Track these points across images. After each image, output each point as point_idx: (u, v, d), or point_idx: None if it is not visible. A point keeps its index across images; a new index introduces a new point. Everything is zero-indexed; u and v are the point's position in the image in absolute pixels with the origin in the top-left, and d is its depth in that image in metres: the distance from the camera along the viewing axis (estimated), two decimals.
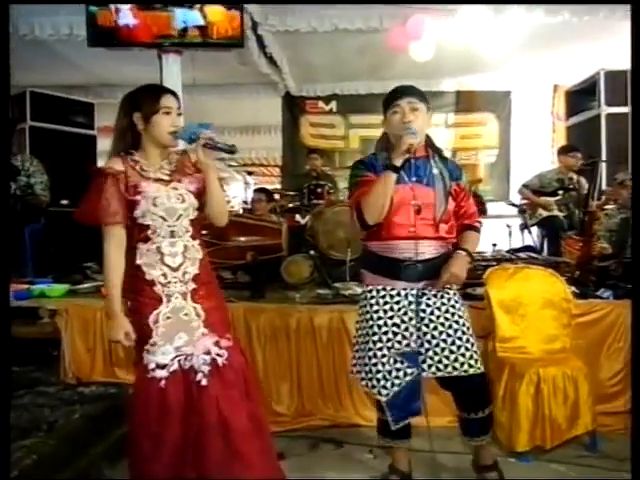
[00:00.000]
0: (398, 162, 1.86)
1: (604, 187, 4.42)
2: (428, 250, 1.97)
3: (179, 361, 1.81)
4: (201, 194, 1.90)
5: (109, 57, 4.57)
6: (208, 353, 1.83)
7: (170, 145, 1.88)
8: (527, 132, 6.70)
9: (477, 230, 2.11)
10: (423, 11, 4.30)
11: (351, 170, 2.12)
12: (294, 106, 7.00)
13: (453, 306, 2.00)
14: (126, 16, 2.44)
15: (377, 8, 4.32)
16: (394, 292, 1.99)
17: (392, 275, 1.99)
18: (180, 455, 1.83)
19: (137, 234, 1.83)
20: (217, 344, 1.85)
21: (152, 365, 1.79)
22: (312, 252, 3.57)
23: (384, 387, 1.96)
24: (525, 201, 4.78)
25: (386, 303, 2.00)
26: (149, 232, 1.82)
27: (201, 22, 2.53)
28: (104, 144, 6.79)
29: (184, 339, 1.83)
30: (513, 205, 4.90)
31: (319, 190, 5.17)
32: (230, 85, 6.07)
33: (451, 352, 1.95)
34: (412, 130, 1.86)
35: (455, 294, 2.05)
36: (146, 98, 1.85)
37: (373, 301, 2.02)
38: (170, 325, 1.83)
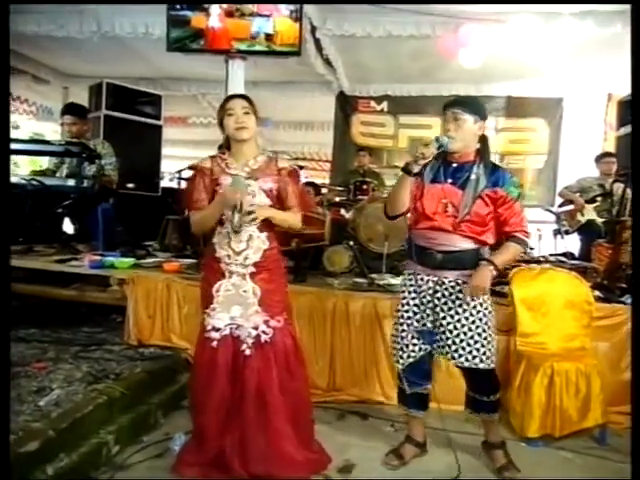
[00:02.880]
0: (415, 168, 2.11)
1: None
2: (449, 242, 2.18)
3: (231, 328, 2.16)
4: (275, 194, 2.19)
5: (178, 53, 4.96)
6: (256, 328, 2.15)
7: (238, 139, 2.14)
8: (578, 140, 6.67)
9: (518, 241, 2.18)
10: (474, 20, 4.45)
11: None
12: (347, 105, 7.23)
13: (468, 303, 2.18)
14: (215, 20, 2.85)
15: (429, 16, 4.51)
16: (419, 277, 2.26)
17: (418, 261, 2.26)
18: (225, 408, 2.18)
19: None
20: (266, 323, 2.16)
21: (209, 327, 2.17)
22: (351, 243, 3.82)
23: (401, 357, 2.28)
24: (564, 208, 4.87)
25: (411, 285, 2.29)
26: (224, 217, 2.16)
27: (270, 30, 2.86)
28: (168, 133, 7.33)
29: (239, 311, 2.16)
30: (549, 211, 4.99)
31: (364, 187, 5.41)
32: (288, 83, 6.39)
33: (453, 343, 2.19)
34: (437, 141, 2.09)
35: None
36: (219, 108, 2.21)
37: (405, 282, 2.33)
38: (229, 296, 2.16)
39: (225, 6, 2.86)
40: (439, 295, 2.22)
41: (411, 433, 2.44)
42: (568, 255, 4.54)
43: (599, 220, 4.47)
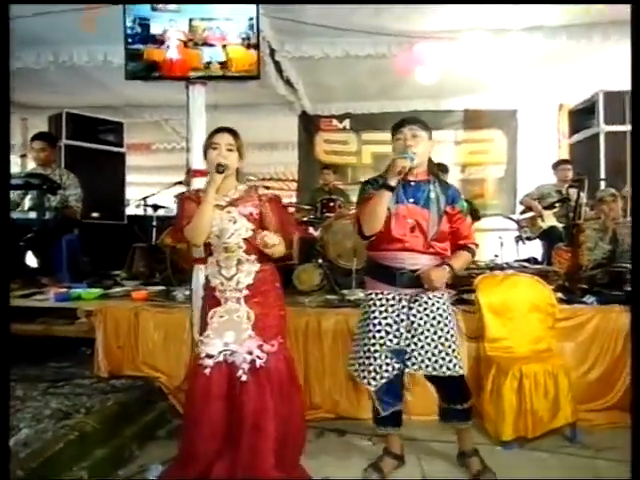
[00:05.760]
0: (392, 182, 2.15)
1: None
2: (420, 262, 2.25)
3: (224, 355, 2.16)
4: (257, 219, 2.22)
5: (138, 81, 4.96)
6: (250, 353, 2.15)
7: (216, 176, 2.14)
8: (534, 149, 6.93)
9: (469, 250, 2.34)
10: (428, 38, 4.60)
11: (360, 188, 2.41)
12: (310, 124, 7.35)
13: (441, 314, 2.27)
14: (174, 52, 2.92)
15: (385, 36, 4.65)
16: (390, 296, 2.29)
17: (389, 281, 2.28)
18: (219, 437, 2.17)
19: (205, 250, 2.26)
20: (260, 347, 2.16)
21: (203, 354, 2.17)
22: (320, 261, 3.85)
23: (374, 379, 2.26)
24: (525, 215, 5.04)
25: (382, 305, 2.29)
26: (212, 248, 2.22)
27: (222, 58, 2.94)
28: (132, 160, 7.27)
29: (233, 337, 2.16)
30: (510, 219, 5.15)
31: (331, 204, 5.44)
32: (250, 106, 6.46)
33: (433, 355, 2.23)
34: (406, 154, 2.16)
35: (445, 303, 2.31)
36: (206, 138, 2.26)
37: (371, 303, 2.33)
38: (223, 323, 2.18)
39: (183, 37, 2.92)
40: (414, 312, 2.26)
41: (389, 447, 2.46)
42: (532, 261, 4.69)
43: (560, 225, 4.63)
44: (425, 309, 2.25)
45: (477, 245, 2.38)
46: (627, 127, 4.94)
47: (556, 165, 5.10)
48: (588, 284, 3.39)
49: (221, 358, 2.15)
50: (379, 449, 2.55)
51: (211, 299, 2.22)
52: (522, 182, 6.76)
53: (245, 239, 2.19)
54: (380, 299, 2.30)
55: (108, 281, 4.22)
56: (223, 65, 2.91)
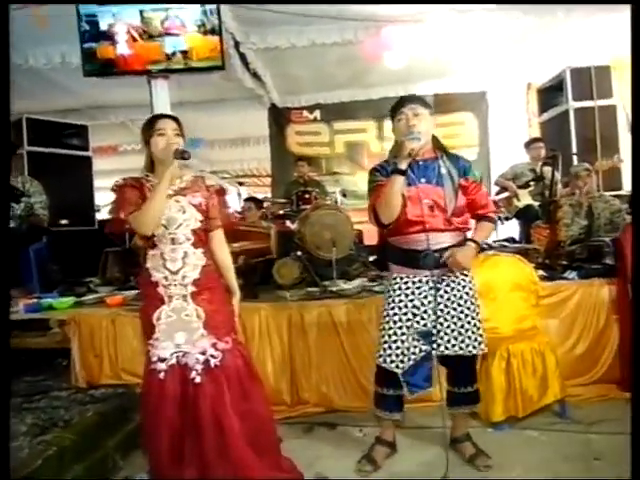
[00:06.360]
0: (403, 165, 2.08)
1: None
2: (443, 240, 2.19)
3: (177, 357, 2.04)
4: (206, 209, 2.11)
5: (100, 81, 4.80)
6: (203, 353, 2.04)
7: (165, 160, 2.01)
8: (505, 129, 6.96)
9: (490, 220, 2.30)
10: (393, 22, 4.55)
11: (368, 176, 2.32)
12: (280, 117, 7.25)
13: (467, 293, 2.24)
14: (123, 47, 2.78)
15: (351, 21, 4.58)
16: (416, 279, 2.23)
17: (413, 264, 2.22)
18: (180, 441, 2.05)
19: (147, 241, 2.07)
20: (214, 346, 2.05)
21: (154, 358, 2.04)
22: (299, 253, 3.77)
23: (401, 361, 2.21)
24: (500, 196, 5.04)
25: (408, 288, 2.23)
26: (155, 239, 2.05)
27: (184, 47, 2.84)
28: (100, 164, 7.07)
29: (184, 338, 2.04)
30: None
31: (307, 196, 5.38)
32: (217, 101, 6.33)
33: (459, 334, 2.20)
34: (413, 135, 2.08)
35: (470, 281, 2.27)
36: (145, 126, 2.11)
37: (396, 287, 2.26)
38: (171, 323, 2.05)
39: (133, 30, 2.81)
40: (441, 292, 2.22)
41: (382, 434, 2.41)
42: (511, 240, 4.68)
43: (535, 204, 4.64)
44: (452, 289, 2.22)
45: (496, 212, 2.33)
46: (595, 102, 4.99)
47: (528, 144, 5.11)
48: (568, 260, 3.40)
49: (174, 360, 2.04)
50: (371, 440, 2.50)
51: (153, 297, 2.07)
52: (495, 163, 6.78)
53: (193, 230, 2.08)
54: (406, 282, 2.24)
55: (81, 288, 4.07)
56: (184, 55, 2.81)
